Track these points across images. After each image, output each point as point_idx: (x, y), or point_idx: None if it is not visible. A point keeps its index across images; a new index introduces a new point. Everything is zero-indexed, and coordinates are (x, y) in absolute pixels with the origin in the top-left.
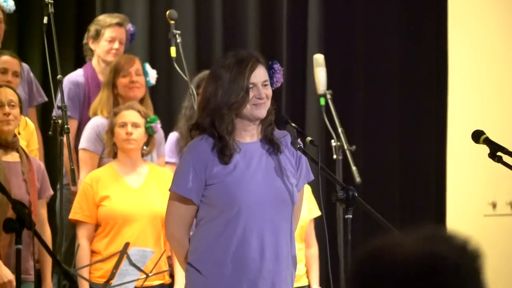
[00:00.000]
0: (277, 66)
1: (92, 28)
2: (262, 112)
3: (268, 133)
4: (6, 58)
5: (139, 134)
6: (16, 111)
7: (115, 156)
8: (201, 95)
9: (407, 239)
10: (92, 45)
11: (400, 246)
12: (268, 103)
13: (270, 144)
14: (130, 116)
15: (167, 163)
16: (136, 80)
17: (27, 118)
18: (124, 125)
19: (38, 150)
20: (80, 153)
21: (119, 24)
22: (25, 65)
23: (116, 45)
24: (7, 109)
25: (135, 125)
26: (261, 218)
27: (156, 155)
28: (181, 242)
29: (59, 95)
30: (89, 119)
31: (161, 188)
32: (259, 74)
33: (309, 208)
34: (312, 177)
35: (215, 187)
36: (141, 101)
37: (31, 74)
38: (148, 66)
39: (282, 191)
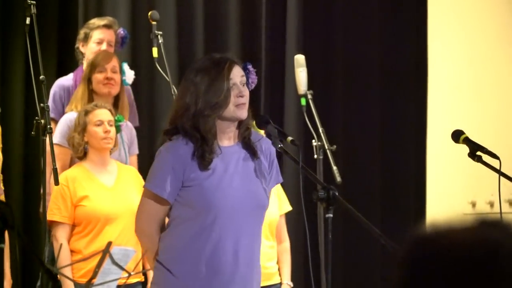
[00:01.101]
0: (250, 67)
1: (82, 32)
2: (244, 113)
3: (245, 137)
4: None
5: (114, 132)
6: None
7: (83, 156)
8: (178, 101)
9: (460, 225)
10: (82, 48)
11: (454, 232)
12: (247, 104)
13: (247, 148)
14: (105, 114)
15: None
16: (111, 76)
17: None
18: (101, 123)
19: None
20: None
21: (107, 26)
22: None
23: (104, 46)
24: None
25: (110, 124)
26: (236, 223)
27: (128, 153)
28: (151, 239)
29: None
30: None
31: (134, 185)
32: (237, 73)
33: (279, 204)
34: (281, 180)
35: (192, 190)
36: (116, 99)
37: None
38: (126, 66)
39: (258, 196)
